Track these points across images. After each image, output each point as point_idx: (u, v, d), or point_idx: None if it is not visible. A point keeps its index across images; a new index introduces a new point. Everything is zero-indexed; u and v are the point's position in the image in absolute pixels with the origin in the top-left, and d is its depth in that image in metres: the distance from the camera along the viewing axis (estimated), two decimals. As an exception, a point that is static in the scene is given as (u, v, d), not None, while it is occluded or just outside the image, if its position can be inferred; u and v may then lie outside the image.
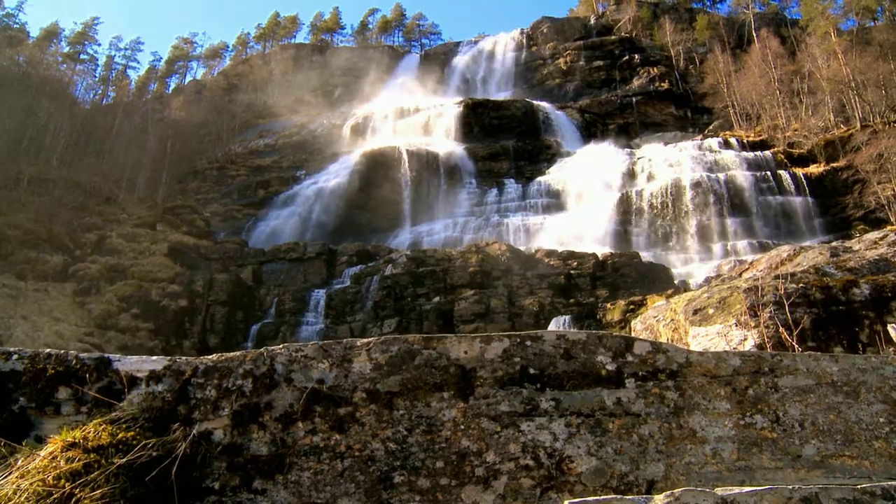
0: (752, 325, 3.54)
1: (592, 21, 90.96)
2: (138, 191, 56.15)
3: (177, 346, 35.05)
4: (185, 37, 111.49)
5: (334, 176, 56.42)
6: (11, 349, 3.29)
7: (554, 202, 51.49)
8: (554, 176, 54.59)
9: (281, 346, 3.35)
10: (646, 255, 40.73)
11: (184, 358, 3.35)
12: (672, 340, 3.86)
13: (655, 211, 45.74)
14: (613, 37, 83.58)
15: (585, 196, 50.44)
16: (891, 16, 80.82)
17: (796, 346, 3.41)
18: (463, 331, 33.45)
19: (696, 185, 45.75)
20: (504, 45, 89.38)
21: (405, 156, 55.80)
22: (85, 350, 29.97)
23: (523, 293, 35.75)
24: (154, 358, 3.32)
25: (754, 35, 72.51)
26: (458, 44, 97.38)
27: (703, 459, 3.08)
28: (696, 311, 3.78)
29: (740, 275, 4.46)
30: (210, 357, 3.36)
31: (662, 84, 71.77)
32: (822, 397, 3.25)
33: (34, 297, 34.83)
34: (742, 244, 42.41)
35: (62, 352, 3.29)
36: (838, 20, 72.18)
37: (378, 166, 55.14)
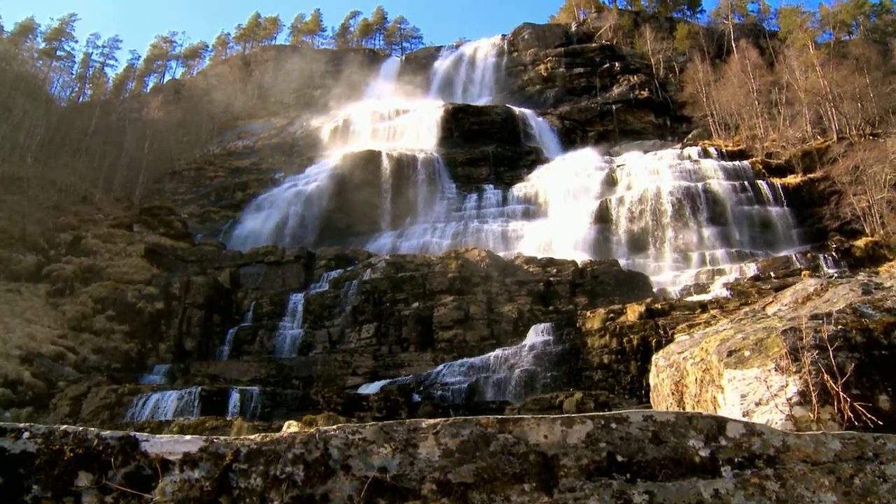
0: (793, 370, 3.39)
1: (573, 28, 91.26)
2: (115, 191, 55.50)
3: (152, 348, 34.65)
4: (164, 36, 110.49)
5: (313, 179, 56.17)
6: (22, 426, 2.82)
7: (533, 208, 51.53)
8: (533, 182, 54.62)
9: (335, 427, 2.97)
10: (624, 263, 40.84)
11: (222, 438, 2.92)
12: (702, 382, 3.73)
13: (634, 219, 45.89)
14: (594, 44, 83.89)
15: (565, 203, 50.51)
16: (865, 30, 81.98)
17: (843, 394, 3.28)
18: (441, 337, 33.36)
19: (675, 193, 45.96)
20: (485, 50, 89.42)
21: (385, 160, 55.62)
22: (58, 352, 29.60)
23: (503, 300, 35.70)
24: (188, 438, 2.90)
25: (733, 45, 73.09)
26: (439, 48, 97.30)
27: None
28: (730, 353, 3.63)
29: (763, 308, 4.30)
30: (252, 438, 2.93)
31: (642, 92, 72.10)
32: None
33: (6, 297, 34.26)
34: (720, 253, 42.66)
35: (80, 429, 2.86)
36: (816, 33, 73.02)
37: (358, 170, 54.89)
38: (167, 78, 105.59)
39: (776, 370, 3.38)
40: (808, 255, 39.53)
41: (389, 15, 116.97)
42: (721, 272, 39.48)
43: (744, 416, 3.35)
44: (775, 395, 3.29)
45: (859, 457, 2.99)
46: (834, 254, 39.64)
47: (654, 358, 4.47)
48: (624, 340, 28.08)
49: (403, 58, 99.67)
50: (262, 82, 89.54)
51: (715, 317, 28.14)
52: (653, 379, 4.41)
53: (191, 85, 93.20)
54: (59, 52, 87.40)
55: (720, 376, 3.54)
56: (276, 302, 38.08)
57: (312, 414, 19.38)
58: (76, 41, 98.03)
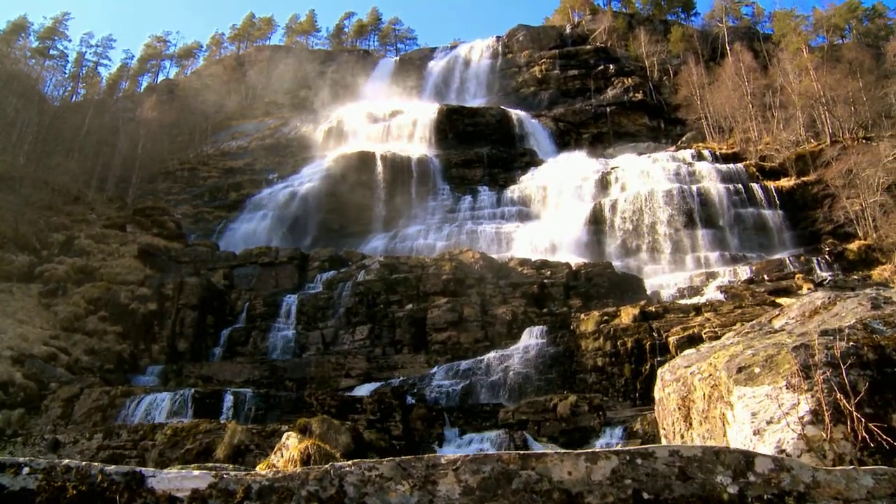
0: (805, 388, 3.31)
1: (568, 30, 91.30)
2: (108, 191, 55.27)
3: (145, 350, 34.50)
4: (158, 35, 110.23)
5: (307, 180, 56.06)
6: (21, 460, 2.63)
7: (527, 210, 51.53)
8: (528, 184, 54.62)
9: (350, 463, 2.85)
10: (618, 265, 40.87)
11: (232, 474, 2.76)
12: (710, 398, 3.66)
13: (628, 221, 45.92)
14: (588, 46, 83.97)
15: (559, 205, 50.54)
16: (858, 34, 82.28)
17: (856, 413, 3.22)
18: (435, 339, 33.31)
19: (669, 196, 46.01)
20: (480, 51, 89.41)
21: (379, 161, 55.57)
22: (50, 353, 29.45)
23: (496, 302, 35.67)
24: (196, 473, 2.74)
25: (727, 48, 73.26)
26: (433, 49, 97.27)
27: None
28: (740, 369, 3.55)
29: (770, 321, 4.22)
30: (264, 474, 2.80)
31: (636, 94, 72.18)
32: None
33: (-2, 297, 34.09)
34: (714, 256, 42.72)
35: (84, 464, 2.68)
36: (809, 37, 73.26)
37: (352, 171, 54.83)
38: (161, 78, 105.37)
39: (787, 388, 3.32)
40: (802, 258, 39.60)
41: (384, 16, 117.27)
42: (715, 275, 39.54)
43: (755, 434, 3.30)
44: (787, 413, 3.23)
45: (893, 493, 2.88)
46: (827, 257, 39.71)
47: (659, 372, 4.42)
48: (618, 343, 28.09)
49: (398, 59, 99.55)
50: (257, 83, 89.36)
51: (709, 319, 28.19)
52: (658, 392, 4.36)
53: (185, 85, 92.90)
54: (52, 51, 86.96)
55: (729, 393, 3.49)
56: (270, 303, 37.95)
57: (306, 416, 19.31)
58: (69, 40, 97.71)
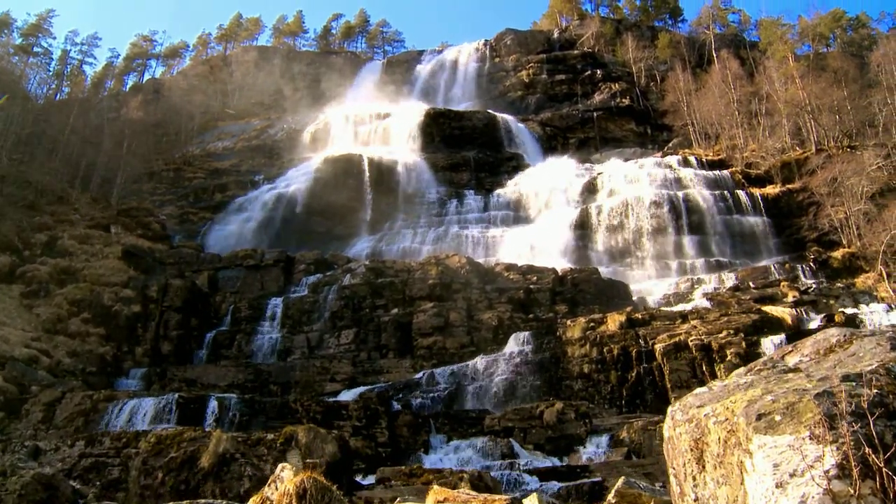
0: (830, 439, 3.21)
1: (556, 35, 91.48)
2: (92, 191, 54.79)
3: (129, 352, 34.22)
4: (144, 34, 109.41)
5: (294, 182, 55.80)
6: None
7: (514, 215, 51.54)
8: (514, 188, 54.65)
9: None
10: (604, 271, 40.92)
11: None
12: (727, 443, 3.57)
13: (614, 227, 46.01)
14: (576, 51, 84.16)
15: (545, 210, 50.59)
16: (842, 43, 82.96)
17: (885, 470, 3.13)
18: (421, 344, 33.23)
19: (656, 202, 46.14)
20: (467, 55, 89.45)
21: (366, 163, 55.41)
22: (31, 356, 29.13)
23: (482, 307, 35.61)
24: None
25: (714, 55, 73.65)
26: (421, 52, 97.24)
27: None
28: (759, 416, 3.45)
29: (783, 357, 4.10)
30: None
31: (623, 100, 72.39)
32: None
33: (-22, 299, 33.71)
34: (699, 262, 42.89)
35: None
36: (795, 45, 73.73)
37: (338, 173, 54.63)
38: (147, 77, 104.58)
39: (811, 438, 3.24)
40: (787, 265, 39.82)
41: (372, 18, 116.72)
42: (700, 281, 39.68)
43: (777, 486, 3.21)
44: (811, 465, 3.15)
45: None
46: (812, 264, 39.96)
47: (670, 410, 4.33)
48: (604, 350, 28.10)
49: (385, 61, 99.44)
50: (244, 83, 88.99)
51: (695, 327, 28.24)
52: (667, 430, 4.27)
53: (171, 84, 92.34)
54: (36, 49, 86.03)
55: (748, 441, 3.40)
56: (255, 306, 37.76)
57: (291, 422, 19.19)
58: (54, 37, 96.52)
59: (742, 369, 4.38)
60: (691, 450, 3.80)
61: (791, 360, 4.19)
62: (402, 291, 36.82)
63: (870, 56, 66.46)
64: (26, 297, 35.44)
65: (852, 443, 3.11)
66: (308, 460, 13.17)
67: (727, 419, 3.53)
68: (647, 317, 30.37)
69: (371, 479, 15.29)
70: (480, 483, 13.30)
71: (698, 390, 4.19)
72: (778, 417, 3.38)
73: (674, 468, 4.09)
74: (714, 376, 25.74)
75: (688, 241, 44.50)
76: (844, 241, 41.97)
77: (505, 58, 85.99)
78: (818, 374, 3.68)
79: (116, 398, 22.78)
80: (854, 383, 3.42)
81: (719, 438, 3.56)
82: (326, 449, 13.38)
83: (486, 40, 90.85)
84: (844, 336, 4.19)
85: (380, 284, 37.22)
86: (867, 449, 3.12)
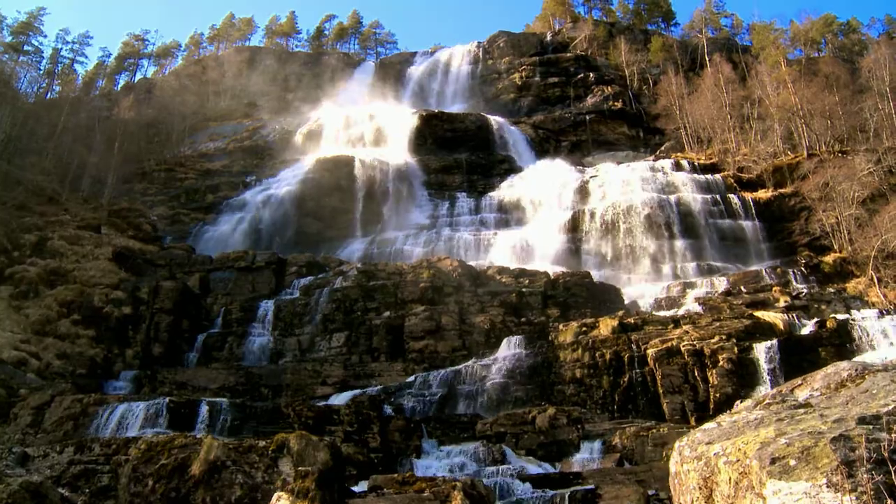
0: (848, 487, 3.11)
1: (549, 37, 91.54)
2: (83, 191, 54.43)
3: (119, 354, 33.97)
4: (136, 33, 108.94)
5: (285, 183, 55.64)
6: None
7: (506, 218, 51.55)
8: (506, 191, 54.66)
9: None
10: (596, 275, 40.92)
11: None
12: (738, 485, 3.49)
13: (606, 230, 46.02)
14: (569, 54, 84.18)
15: (537, 213, 50.60)
16: (833, 48, 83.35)
17: None
18: (413, 347, 33.15)
19: (648, 205, 46.16)
20: (460, 57, 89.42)
21: (358, 165, 55.30)
22: (20, 358, 28.92)
23: (474, 310, 35.54)
24: None
25: (707, 59, 73.84)
26: (413, 54, 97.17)
27: None
28: (773, 461, 3.35)
29: (792, 391, 4.01)
30: None
31: (616, 103, 72.47)
32: None
33: (-33, 300, 33.45)
34: (691, 266, 42.95)
35: None
36: (787, 50, 73.98)
37: (330, 175, 54.50)
38: (139, 77, 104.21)
39: (828, 486, 3.15)
40: (778, 269, 39.89)
41: (365, 19, 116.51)
42: (692, 285, 39.72)
43: None
44: None
45: None
46: (803, 269, 40.04)
47: (677, 445, 4.24)
48: (597, 355, 28.04)
49: (378, 62, 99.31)
50: (236, 84, 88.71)
51: (688, 332, 28.23)
52: (674, 465, 4.18)
53: (163, 84, 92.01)
54: (26, 47, 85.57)
55: (762, 485, 3.32)
56: (246, 308, 37.59)
57: (283, 428, 19.07)
58: (45, 36, 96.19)
59: (750, 402, 4.31)
60: (700, 488, 3.72)
61: (801, 395, 4.11)
62: (394, 294, 36.75)
63: (860, 61, 66.79)
64: (15, 299, 35.16)
65: (872, 492, 3.03)
66: (300, 468, 13.09)
67: (739, 460, 3.45)
68: (640, 322, 30.35)
69: (363, 486, 15.21)
70: (473, 491, 13.23)
71: (706, 426, 4.11)
72: (793, 462, 3.29)
73: (681, 504, 4.01)
74: (706, 382, 25.76)
75: (680, 245, 44.54)
76: (836, 246, 42.11)
77: (498, 60, 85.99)
78: (832, 415, 3.60)
79: (106, 402, 22.61)
80: (871, 426, 3.34)
81: (730, 479, 3.48)
82: (318, 456, 13.29)
83: (478, 42, 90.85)
84: (856, 370, 4.12)
85: (371, 287, 37.13)
86: (889, 501, 3.04)
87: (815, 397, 3.98)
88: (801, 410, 3.78)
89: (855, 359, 25.66)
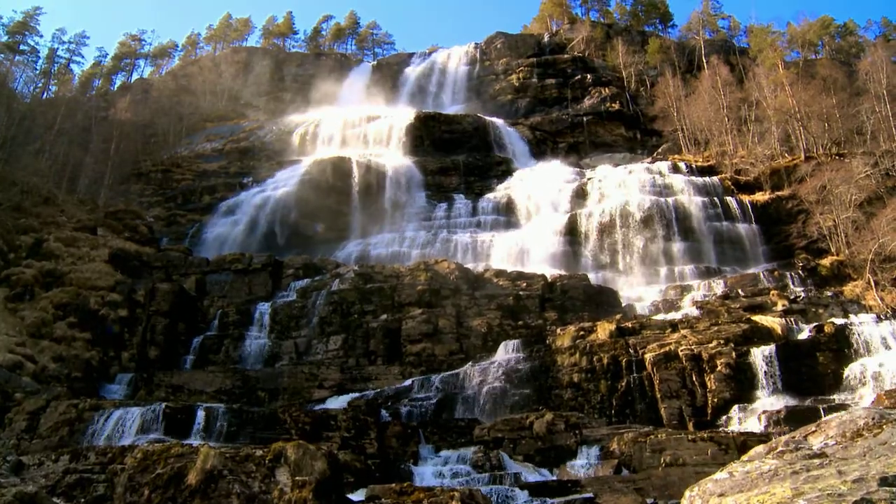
0: None
1: (546, 39, 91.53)
2: (79, 192, 54.26)
3: (115, 357, 33.80)
4: (133, 33, 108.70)
5: (282, 184, 55.46)
6: None
7: (503, 219, 51.41)
8: (504, 193, 54.53)
9: None
10: (593, 277, 40.91)
11: None
12: None
13: (603, 233, 45.91)
14: (566, 55, 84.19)
15: (534, 215, 50.52)
16: (831, 51, 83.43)
17: None
18: (410, 350, 33.06)
19: (645, 208, 46.07)
20: (457, 58, 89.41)
21: (355, 167, 55.16)
22: (16, 361, 28.74)
23: (472, 314, 35.49)
24: None
25: (704, 61, 73.85)
26: (411, 55, 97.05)
27: None
28: None
29: (806, 437, 3.91)
30: None
31: (613, 105, 72.47)
32: None
33: (-38, 302, 33.25)
34: (689, 269, 42.86)
35: None
36: (785, 52, 73.99)
37: (327, 176, 54.40)
38: (135, 77, 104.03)
39: None
40: (776, 272, 39.85)
41: (362, 20, 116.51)
42: (689, 288, 39.65)
43: None
44: None
45: None
46: (800, 272, 39.98)
47: (688, 494, 4.16)
48: (594, 359, 27.98)
49: (375, 63, 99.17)
50: (232, 84, 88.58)
51: (686, 336, 28.17)
52: None
53: (159, 85, 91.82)
54: (22, 47, 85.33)
55: None
56: (243, 311, 37.44)
57: (280, 434, 19.00)
58: (41, 36, 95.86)
59: (762, 448, 4.21)
60: (712, 543, 3.64)
61: (815, 443, 4.02)
62: (391, 297, 36.66)
63: (857, 63, 66.80)
64: (10, 301, 34.94)
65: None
66: (297, 478, 13.01)
67: (759, 521, 3.37)
68: (637, 325, 30.30)
69: (360, 495, 15.12)
70: (472, 502, 13.16)
71: (717, 476, 4.01)
72: (814, 530, 3.21)
73: (692, 557, 3.90)
74: (704, 387, 25.71)
75: (677, 248, 44.47)
76: (833, 249, 42.05)
77: (495, 61, 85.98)
78: (851, 471, 3.50)
79: (102, 407, 22.48)
80: (895, 489, 3.25)
81: (748, 540, 3.40)
82: (316, 466, 13.20)
83: (476, 43, 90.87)
84: (873, 419, 4.02)
85: (368, 290, 37.04)
86: (917, 574, 2.96)
87: (830, 446, 3.89)
88: (817, 461, 3.68)
89: (852, 364, 25.68)
